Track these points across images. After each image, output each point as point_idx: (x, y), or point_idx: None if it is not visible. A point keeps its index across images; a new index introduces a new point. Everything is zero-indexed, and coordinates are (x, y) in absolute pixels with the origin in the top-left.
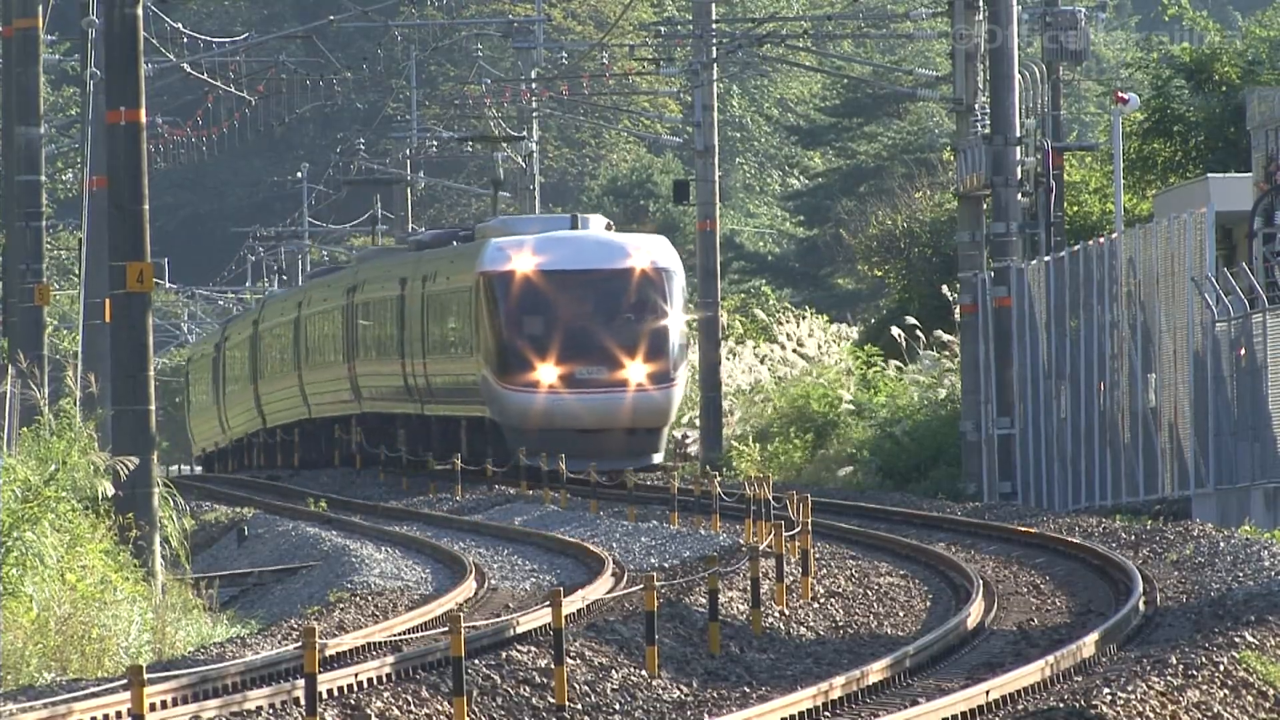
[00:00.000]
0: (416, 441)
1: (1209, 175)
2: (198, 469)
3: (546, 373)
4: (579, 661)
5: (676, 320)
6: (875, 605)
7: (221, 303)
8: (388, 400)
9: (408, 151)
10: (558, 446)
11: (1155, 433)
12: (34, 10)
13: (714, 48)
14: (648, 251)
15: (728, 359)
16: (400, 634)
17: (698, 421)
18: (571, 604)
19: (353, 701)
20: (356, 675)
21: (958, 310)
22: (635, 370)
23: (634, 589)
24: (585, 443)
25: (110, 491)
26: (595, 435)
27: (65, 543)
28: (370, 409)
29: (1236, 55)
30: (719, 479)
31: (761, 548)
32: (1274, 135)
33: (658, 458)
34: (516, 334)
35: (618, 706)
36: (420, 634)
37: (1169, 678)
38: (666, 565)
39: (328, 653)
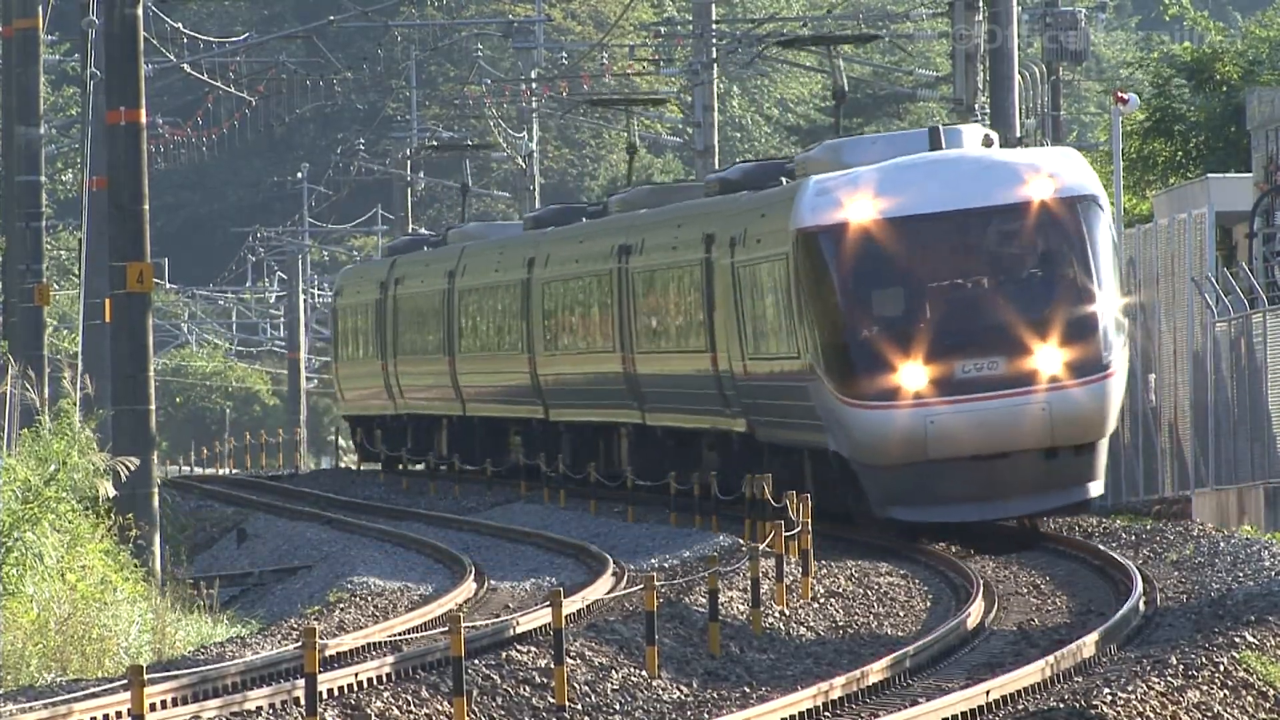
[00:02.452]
0: (732, 473)
1: (1209, 175)
2: (343, 446)
3: (910, 375)
4: (579, 661)
5: (1106, 276)
6: (875, 605)
7: (222, 302)
8: (681, 413)
9: (408, 151)
10: (936, 488)
11: (1155, 433)
12: (34, 10)
13: (714, 48)
14: (1053, 172)
15: None
16: (400, 634)
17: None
18: (571, 604)
19: (353, 701)
20: (356, 675)
21: None
22: (1049, 358)
23: (634, 589)
24: (976, 477)
25: (110, 492)
26: (992, 464)
27: (65, 543)
28: (653, 421)
29: (1237, 55)
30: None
31: (761, 548)
32: (1274, 135)
33: (1095, 489)
34: (858, 319)
35: (618, 706)
36: (420, 634)
37: (1169, 678)
38: (667, 565)
39: (328, 653)
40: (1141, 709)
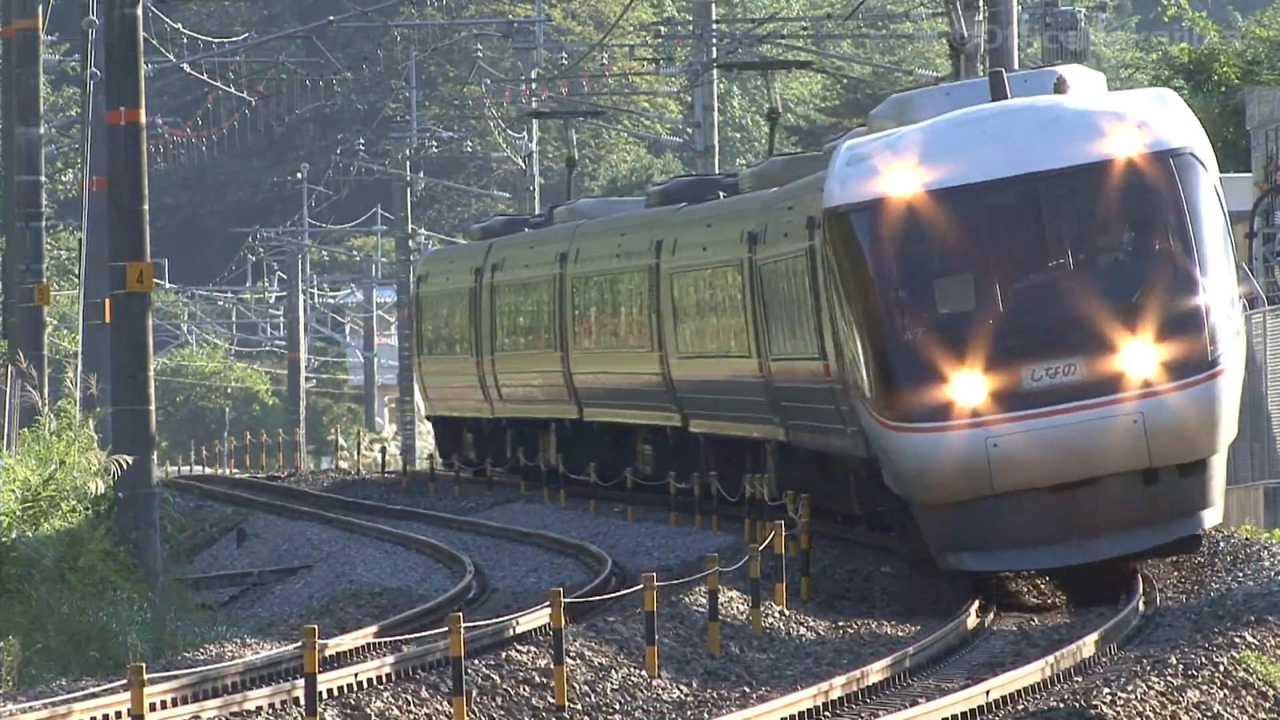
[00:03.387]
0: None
1: None
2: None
3: (965, 385)
4: (579, 661)
5: (1211, 251)
6: (875, 605)
7: (222, 302)
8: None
9: (408, 152)
10: (1006, 527)
11: None
12: (34, 10)
13: (714, 48)
14: (1142, 120)
15: None
16: (400, 634)
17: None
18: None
19: (353, 701)
20: (356, 675)
21: None
22: (1140, 356)
23: (634, 589)
24: (1056, 511)
25: (100, 489)
26: (1075, 495)
27: (65, 543)
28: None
29: (1236, 55)
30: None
31: (760, 548)
32: (1274, 135)
33: (1210, 518)
34: (898, 319)
35: (618, 706)
36: (420, 634)
37: (1169, 678)
38: (667, 565)
39: (328, 653)
40: (1141, 709)
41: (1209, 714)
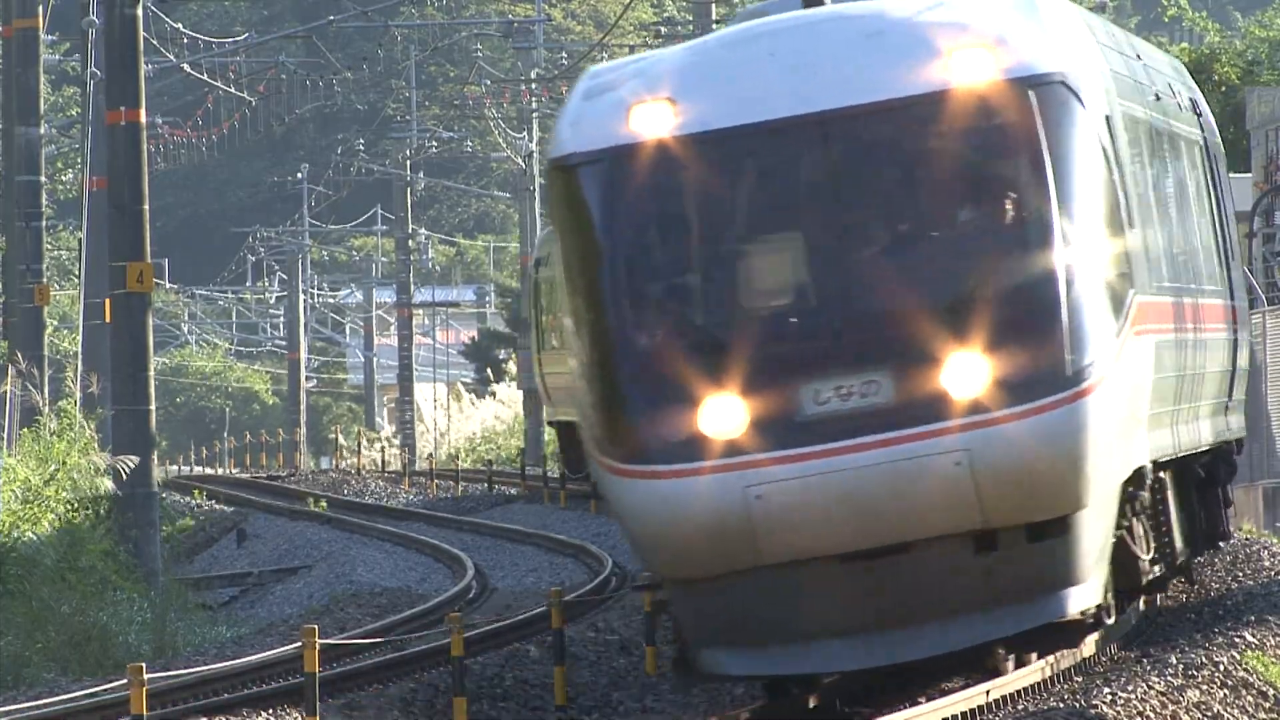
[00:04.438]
0: None
1: None
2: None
3: (720, 412)
4: (579, 661)
5: (1084, 217)
6: None
7: (222, 302)
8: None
9: (408, 152)
10: (779, 615)
11: None
12: (34, 10)
13: None
14: (996, 36)
15: None
16: (400, 634)
17: None
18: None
19: (353, 701)
20: (357, 675)
21: None
22: (967, 369)
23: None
24: (850, 592)
25: (109, 488)
26: (877, 568)
27: (65, 543)
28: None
29: (1236, 55)
30: None
31: None
32: (1274, 135)
33: (1080, 598)
34: (630, 317)
35: (618, 707)
36: (420, 634)
37: (1169, 678)
38: None
39: (328, 653)
40: (1141, 709)
41: (1209, 714)
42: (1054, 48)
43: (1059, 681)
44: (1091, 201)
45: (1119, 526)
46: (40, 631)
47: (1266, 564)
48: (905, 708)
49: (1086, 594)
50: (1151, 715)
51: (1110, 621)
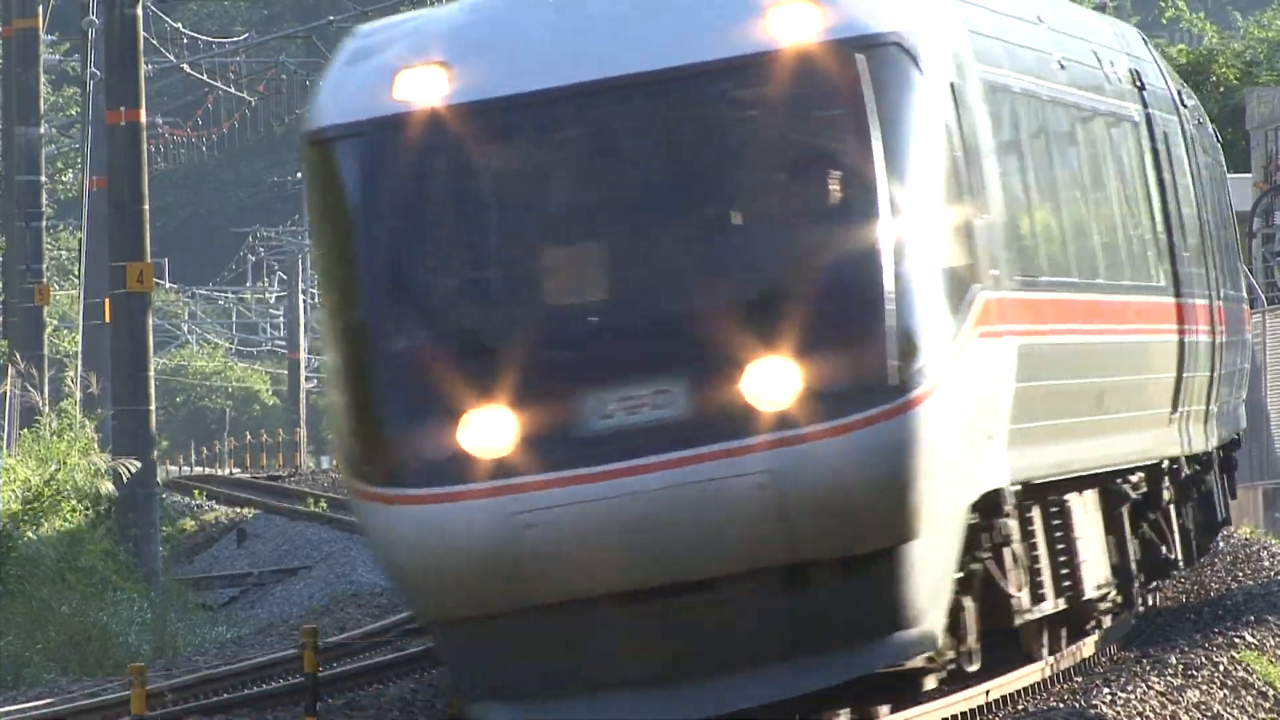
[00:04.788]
0: None
1: None
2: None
3: (486, 428)
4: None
5: (924, 201)
6: None
7: (222, 302)
8: None
9: None
10: (560, 656)
11: None
12: (34, 10)
13: None
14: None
15: None
16: (400, 634)
17: None
18: None
19: (353, 701)
20: (357, 675)
21: None
22: (773, 377)
23: None
24: (641, 633)
25: (109, 488)
26: (670, 606)
27: (65, 543)
28: None
29: (1234, 56)
30: None
31: None
32: (1273, 135)
33: (917, 642)
34: (383, 318)
35: None
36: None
37: (1169, 678)
38: None
39: (327, 653)
40: (1141, 709)
41: (1209, 714)
42: (889, 5)
43: (1059, 681)
44: (927, 183)
45: (976, 559)
46: (40, 631)
47: (1266, 564)
48: (905, 707)
49: (919, 639)
50: (1151, 715)
51: (973, 668)
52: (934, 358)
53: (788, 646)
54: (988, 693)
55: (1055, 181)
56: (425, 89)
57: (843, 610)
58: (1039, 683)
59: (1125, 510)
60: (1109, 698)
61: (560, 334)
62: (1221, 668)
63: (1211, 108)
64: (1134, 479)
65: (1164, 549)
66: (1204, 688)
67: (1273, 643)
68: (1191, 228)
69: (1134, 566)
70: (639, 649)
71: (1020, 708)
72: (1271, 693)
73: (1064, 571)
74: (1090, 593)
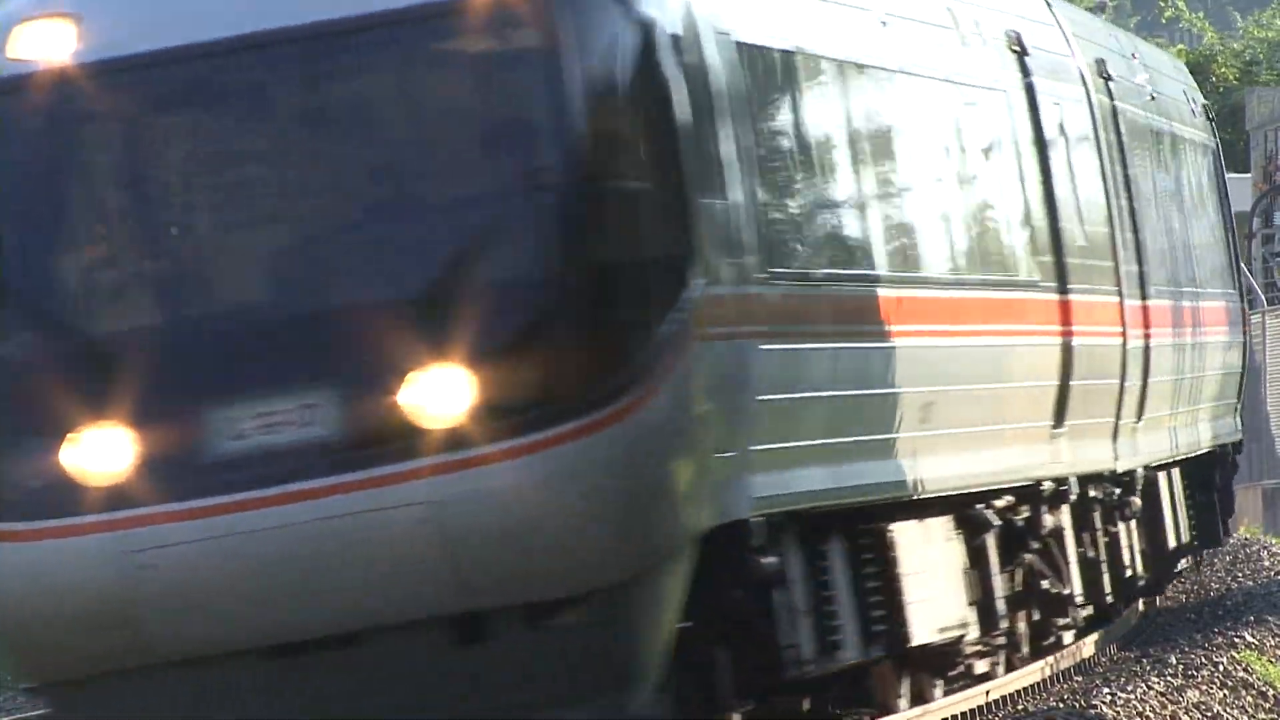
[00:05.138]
0: None
1: None
2: None
3: (94, 450)
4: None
5: (631, 179)
6: None
7: None
8: None
9: None
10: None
11: None
12: None
13: None
14: None
15: None
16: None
17: None
18: None
19: None
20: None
21: None
22: (441, 389)
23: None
24: (282, 697)
25: None
26: (317, 663)
27: None
28: None
29: (1234, 56)
30: None
31: None
32: (1273, 135)
33: (640, 706)
34: None
35: None
36: None
37: (1169, 678)
38: None
39: None
40: (1141, 709)
41: (1209, 714)
42: None
43: (1059, 681)
44: (638, 156)
45: (733, 603)
46: None
47: (1266, 564)
48: (906, 708)
49: (627, 702)
50: (1151, 715)
51: None
52: (636, 365)
53: (459, 713)
54: (988, 693)
55: (842, 159)
56: (49, 45)
57: (527, 668)
58: (1039, 683)
59: (990, 539)
60: (1109, 698)
61: (186, 339)
62: (1221, 668)
63: (1211, 107)
64: (999, 504)
65: (1046, 582)
66: (1204, 688)
67: (1273, 643)
68: (1096, 217)
69: (1001, 604)
70: (280, 716)
71: (1020, 708)
72: (1271, 693)
73: (877, 614)
74: (927, 636)
